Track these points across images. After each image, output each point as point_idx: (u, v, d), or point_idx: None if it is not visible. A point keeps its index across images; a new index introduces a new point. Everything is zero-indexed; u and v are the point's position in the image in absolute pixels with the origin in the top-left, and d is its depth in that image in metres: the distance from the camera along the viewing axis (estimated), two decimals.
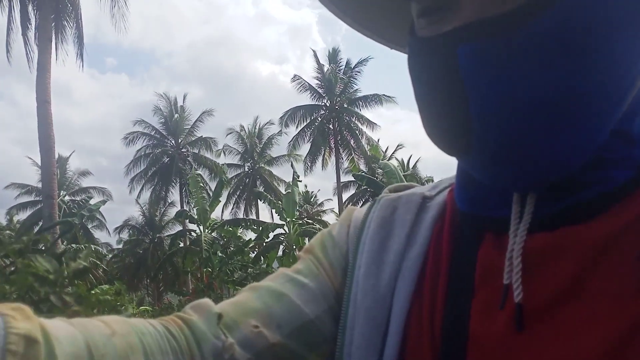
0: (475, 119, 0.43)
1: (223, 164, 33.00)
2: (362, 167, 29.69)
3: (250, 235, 20.16)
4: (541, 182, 0.46)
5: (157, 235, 31.14)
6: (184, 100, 36.27)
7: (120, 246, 32.48)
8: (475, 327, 0.47)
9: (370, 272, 0.56)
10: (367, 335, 0.52)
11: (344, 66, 32.98)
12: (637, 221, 0.43)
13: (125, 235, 33.30)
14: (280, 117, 32.67)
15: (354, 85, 32.74)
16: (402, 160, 31.33)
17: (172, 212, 33.33)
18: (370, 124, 31.88)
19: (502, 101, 0.41)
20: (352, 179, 29.86)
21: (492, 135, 0.43)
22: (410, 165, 32.04)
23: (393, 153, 32.03)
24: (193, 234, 22.71)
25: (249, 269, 16.46)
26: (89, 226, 30.55)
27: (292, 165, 17.46)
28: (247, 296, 0.58)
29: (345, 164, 31.88)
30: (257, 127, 36.31)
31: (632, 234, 0.43)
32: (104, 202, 28.32)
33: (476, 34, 0.42)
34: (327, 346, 0.56)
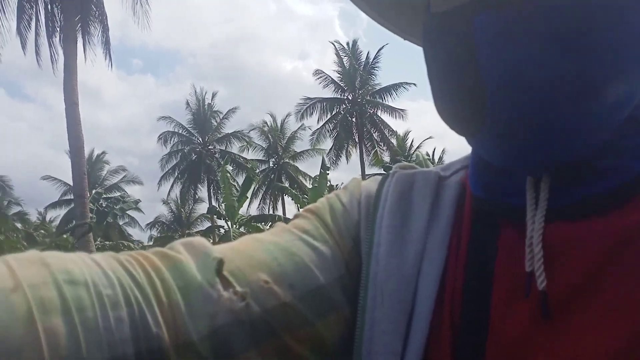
0: (489, 92, 0.42)
1: (252, 160, 33.33)
2: (386, 159, 29.58)
3: None
4: (552, 161, 0.44)
5: (187, 231, 31.62)
6: (212, 98, 36.64)
7: (152, 243, 33.10)
8: (495, 316, 0.46)
9: (393, 251, 0.52)
10: (392, 319, 0.49)
11: (364, 59, 32.88)
12: None
13: (155, 232, 33.96)
14: (297, 106, 32.58)
15: (375, 77, 32.63)
16: (428, 152, 31.11)
17: (200, 208, 33.84)
18: (395, 111, 31.68)
19: (516, 73, 0.40)
20: (376, 171, 29.75)
21: (504, 109, 0.42)
22: (436, 158, 31.80)
23: (420, 144, 31.79)
24: (221, 229, 22.99)
25: None
26: (121, 223, 31.19)
27: (322, 157, 17.46)
28: (252, 246, 0.51)
29: (370, 156, 31.82)
30: (280, 123, 36.50)
31: None
32: (136, 201, 28.96)
33: (492, 4, 0.41)
34: (335, 316, 0.52)
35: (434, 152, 32.13)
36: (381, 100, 31.97)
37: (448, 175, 0.57)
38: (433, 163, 26.34)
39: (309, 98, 32.92)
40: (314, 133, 33.11)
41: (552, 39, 0.39)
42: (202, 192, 35.14)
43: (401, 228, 0.53)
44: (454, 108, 0.47)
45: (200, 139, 35.89)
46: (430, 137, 33.59)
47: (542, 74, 0.40)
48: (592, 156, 0.45)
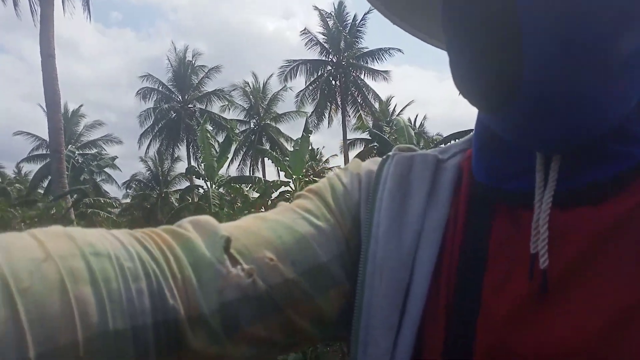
0: (528, 61, 0.40)
1: (232, 120, 32.94)
2: (369, 124, 29.50)
3: (256, 195, 20.24)
4: (577, 139, 0.44)
5: (165, 190, 31.39)
6: (193, 57, 35.82)
7: (128, 200, 32.80)
8: (487, 298, 0.48)
9: (392, 232, 0.54)
10: (390, 296, 0.51)
11: (350, 21, 32.35)
12: None
13: (132, 191, 33.61)
14: (280, 68, 32.11)
15: (361, 40, 32.22)
16: (410, 118, 31.10)
17: (179, 167, 33.54)
18: (379, 74, 31.42)
19: (561, 42, 0.39)
20: (358, 136, 29.69)
21: (543, 79, 0.40)
22: (417, 124, 31.82)
23: (402, 110, 31.74)
24: (200, 189, 22.88)
25: None
26: (98, 180, 30.77)
27: (306, 121, 17.29)
28: (257, 224, 0.53)
29: (352, 121, 31.70)
30: (262, 84, 36.00)
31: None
32: (113, 158, 28.48)
33: None
34: (335, 291, 0.54)
35: (415, 118, 32.13)
36: (365, 64, 31.63)
37: (446, 158, 0.59)
38: (414, 129, 26.38)
39: (292, 60, 32.44)
40: (297, 95, 32.76)
41: (599, 4, 0.38)
42: (181, 151, 34.80)
43: (400, 210, 0.55)
44: (483, 80, 0.45)
45: (180, 97, 35.28)
46: (412, 102, 33.65)
47: (589, 42, 0.39)
48: (603, 138, 0.45)
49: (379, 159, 0.62)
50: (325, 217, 0.56)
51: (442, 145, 0.63)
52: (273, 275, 0.49)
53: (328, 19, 32.24)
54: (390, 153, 0.61)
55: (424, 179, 0.56)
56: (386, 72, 31.62)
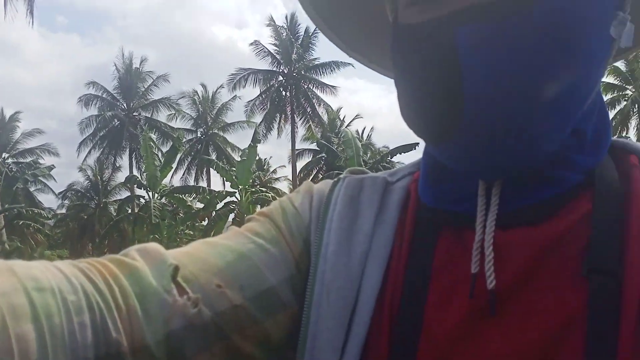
0: (468, 99, 0.44)
1: (179, 129, 32.15)
2: (318, 135, 29.39)
3: (200, 205, 19.63)
4: (516, 166, 0.47)
5: (104, 200, 30.18)
6: (140, 63, 34.80)
7: (64, 211, 31.33)
8: (429, 316, 0.50)
9: (341, 251, 0.54)
10: (337, 315, 0.52)
11: (302, 33, 32.31)
12: (579, 224, 0.48)
13: (67, 201, 32.12)
14: (230, 76, 31.59)
15: (312, 53, 32.20)
16: (357, 130, 31.20)
17: (120, 177, 32.38)
18: (328, 87, 31.43)
19: (495, 82, 0.43)
20: (307, 147, 29.47)
21: (481, 114, 0.44)
22: (365, 136, 31.99)
23: (350, 122, 31.83)
24: (142, 199, 22.03)
25: (200, 234, 16.01)
26: (32, 189, 29.27)
27: (256, 129, 16.89)
28: (205, 250, 0.54)
29: (301, 132, 31.53)
30: (212, 93, 35.38)
31: (577, 234, 0.47)
32: (50, 167, 27.15)
33: (473, 17, 0.44)
34: (284, 314, 0.54)
35: (363, 130, 32.28)
36: (315, 76, 31.58)
37: (394, 180, 0.61)
38: (361, 141, 26.43)
39: (242, 69, 32.00)
40: (247, 105, 32.31)
41: (530, 51, 0.43)
42: (124, 160, 33.64)
43: (349, 230, 0.56)
44: (427, 115, 0.49)
45: (124, 105, 34.17)
46: (358, 116, 33.95)
47: (519, 82, 0.43)
48: (540, 165, 0.49)
49: (330, 181, 0.63)
50: (275, 240, 0.56)
51: (392, 169, 0.65)
52: (220, 302, 0.50)
53: (281, 31, 32.06)
54: (341, 176, 0.63)
55: (372, 201, 0.58)
56: (334, 87, 31.61)
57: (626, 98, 27.70)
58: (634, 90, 27.52)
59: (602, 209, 0.47)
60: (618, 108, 27.34)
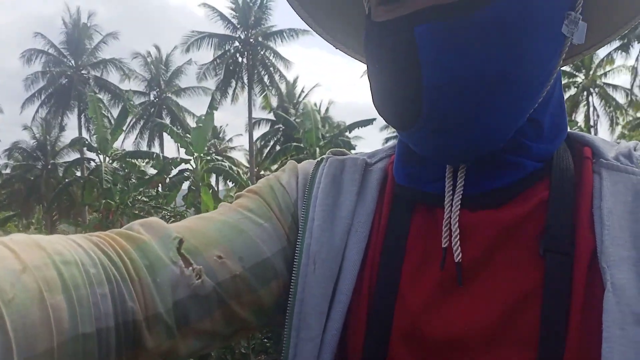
0: (426, 90, 0.49)
1: (129, 90, 31.13)
2: (275, 105, 29.16)
3: (153, 171, 19.19)
4: (475, 153, 0.53)
5: (52, 161, 29.10)
6: (88, 18, 33.26)
7: (9, 171, 30.04)
8: (404, 285, 0.55)
9: (325, 226, 0.59)
10: (322, 283, 0.57)
11: None
12: (537, 208, 0.53)
13: (12, 161, 30.76)
14: (184, 37, 30.68)
15: (270, 18, 31.65)
16: (316, 103, 31.14)
17: (70, 137, 31.23)
18: (284, 60, 31.10)
19: (450, 75, 0.49)
20: (264, 116, 29.24)
21: (439, 104, 0.50)
22: (323, 109, 31.98)
23: (308, 93, 31.68)
24: (92, 163, 21.39)
25: (152, 202, 15.74)
26: None
27: (212, 97, 16.56)
28: (204, 225, 0.58)
29: (259, 100, 31.17)
30: (165, 55, 34.36)
31: (534, 218, 0.53)
32: None
33: (431, 16, 0.49)
34: (276, 283, 0.59)
35: (321, 103, 32.25)
36: (273, 43, 31.11)
37: (373, 162, 0.66)
38: (319, 113, 26.46)
39: (198, 31, 31.09)
40: (200, 68, 31.52)
41: (481, 47, 0.48)
42: (72, 120, 32.42)
43: (332, 206, 0.61)
44: (393, 104, 0.54)
45: (72, 62, 32.75)
46: (317, 85, 34.01)
47: (471, 76, 0.48)
48: (500, 152, 0.54)
49: (313, 161, 0.68)
50: (267, 216, 0.61)
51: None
52: (221, 272, 0.55)
53: None
54: (324, 156, 0.69)
55: (354, 180, 0.63)
56: (289, 61, 31.27)
57: (576, 85, 28.81)
58: (583, 77, 28.64)
59: (557, 197, 0.53)
60: (568, 94, 28.42)
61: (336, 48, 0.72)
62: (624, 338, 0.45)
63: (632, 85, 27.82)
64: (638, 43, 25.27)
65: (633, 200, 0.51)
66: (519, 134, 0.54)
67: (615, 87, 28.95)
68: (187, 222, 0.58)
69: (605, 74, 28.85)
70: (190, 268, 0.52)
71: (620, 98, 28.84)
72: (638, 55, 27.14)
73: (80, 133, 29.60)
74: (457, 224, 0.53)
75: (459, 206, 0.54)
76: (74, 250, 0.45)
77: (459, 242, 0.53)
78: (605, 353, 0.45)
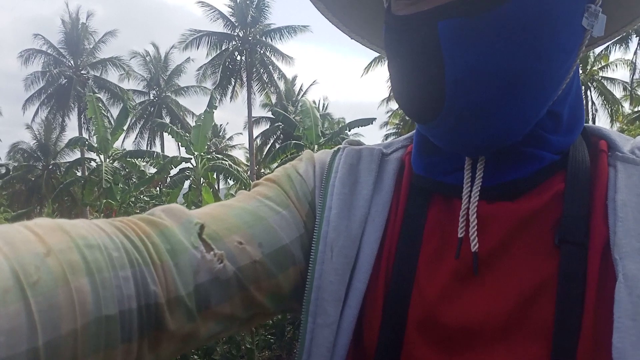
0: (449, 85, 0.50)
1: (129, 90, 31.12)
2: (274, 100, 29.18)
3: (153, 170, 19.19)
4: (494, 145, 0.53)
5: (52, 162, 29.15)
6: (87, 18, 33.28)
7: (11, 173, 30.07)
8: (420, 273, 0.56)
9: (342, 214, 0.60)
10: (339, 271, 0.57)
11: None
12: (553, 200, 0.54)
13: (13, 161, 30.80)
14: (183, 36, 30.67)
15: (268, 16, 31.65)
16: (315, 100, 31.20)
17: (70, 138, 31.30)
18: (284, 57, 31.12)
19: (472, 70, 0.49)
20: (263, 114, 29.27)
21: (461, 98, 0.51)
22: (321, 106, 32.03)
23: (307, 89, 31.71)
24: (93, 163, 21.44)
25: (154, 201, 15.78)
26: None
27: (212, 94, 16.59)
28: (223, 211, 0.58)
29: (258, 98, 31.21)
30: (164, 54, 34.37)
31: (550, 209, 0.54)
32: None
33: (455, 12, 0.50)
34: (294, 269, 0.60)
35: (320, 100, 32.28)
36: (271, 41, 31.12)
37: (389, 152, 0.67)
38: (318, 110, 26.49)
39: (196, 30, 31.12)
40: (199, 69, 31.55)
41: (503, 42, 0.49)
42: (72, 120, 32.44)
43: (350, 195, 0.62)
44: (414, 98, 0.54)
45: (72, 62, 32.78)
46: (316, 82, 34.12)
47: (493, 70, 0.49)
48: (519, 144, 0.55)
49: (330, 151, 0.69)
50: (285, 203, 0.62)
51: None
52: (242, 258, 0.55)
53: None
54: (340, 146, 0.69)
55: (371, 170, 0.63)
56: (291, 57, 31.33)
57: None
58: (581, 73, 28.69)
59: (572, 189, 0.54)
60: None
61: (352, 38, 0.73)
62: (635, 328, 0.45)
63: (631, 79, 27.89)
64: (636, 37, 25.33)
65: None
66: (537, 127, 0.55)
67: (613, 80, 29.04)
68: (207, 208, 0.59)
69: (602, 68, 28.94)
70: (212, 253, 0.53)
71: (618, 92, 28.95)
72: (636, 49, 27.21)
73: (80, 133, 29.67)
74: (475, 215, 0.54)
75: (477, 198, 0.55)
76: (97, 234, 0.46)
77: (476, 232, 0.53)
78: (617, 343, 0.45)
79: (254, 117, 31.35)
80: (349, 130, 18.58)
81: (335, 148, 0.69)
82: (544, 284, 0.51)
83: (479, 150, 0.55)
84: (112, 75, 33.07)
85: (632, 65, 27.25)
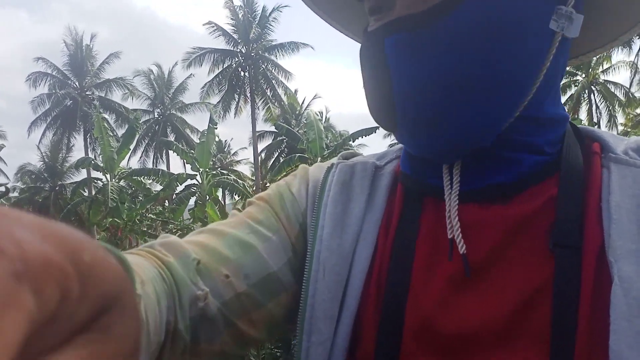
0: (397, 97, 0.53)
1: (136, 109, 31.30)
2: (277, 113, 29.28)
3: (159, 187, 19.24)
4: (458, 151, 0.55)
5: (59, 182, 29.32)
6: (91, 40, 33.65)
7: (17, 194, 30.28)
8: (415, 280, 0.56)
9: (335, 234, 0.61)
10: (331, 289, 0.58)
11: (260, 12, 31.90)
12: (546, 205, 0.54)
13: (20, 183, 30.99)
14: (186, 54, 30.92)
15: (270, 32, 31.87)
16: (317, 112, 31.29)
17: (77, 158, 31.49)
18: (285, 72, 31.29)
19: (417, 82, 0.51)
20: (267, 129, 29.38)
21: (410, 109, 0.53)
22: (324, 118, 32.11)
23: (310, 102, 31.82)
24: (99, 182, 21.53)
25: (162, 220, 15.82)
26: None
27: (210, 112, 16.68)
28: (215, 242, 0.60)
29: (262, 113, 31.32)
30: (167, 72, 34.63)
31: (543, 213, 0.54)
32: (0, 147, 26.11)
33: (397, 28, 0.52)
34: (285, 294, 0.61)
35: (323, 113, 32.37)
36: (274, 58, 31.31)
37: (383, 164, 0.67)
38: (321, 122, 26.48)
39: (199, 47, 31.36)
40: (204, 86, 31.75)
41: (446, 54, 0.50)
42: (79, 141, 32.68)
43: (342, 214, 0.62)
44: (377, 109, 0.57)
45: (77, 84, 33.09)
46: (317, 96, 34.60)
47: (439, 81, 0.51)
48: (493, 148, 0.55)
49: (324, 166, 0.69)
50: (275, 228, 0.63)
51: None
52: (226, 291, 0.57)
53: (238, 10, 31.49)
54: (334, 161, 0.69)
55: (363, 187, 0.64)
56: (290, 73, 31.50)
57: (577, 84, 28.78)
58: (584, 76, 28.62)
59: (566, 192, 0.54)
60: (569, 93, 28.40)
61: (356, 41, 0.74)
62: (631, 330, 0.45)
63: (631, 82, 27.79)
64: (639, 38, 25.30)
65: None
66: (511, 131, 0.55)
67: (615, 84, 28.94)
68: (202, 237, 0.61)
69: (605, 71, 28.86)
70: (201, 291, 0.55)
71: (621, 95, 28.84)
72: (638, 51, 27.16)
73: (86, 153, 29.84)
74: (457, 217, 0.55)
75: (457, 200, 0.56)
76: (151, 270, 0.51)
77: (460, 234, 0.54)
78: (613, 345, 0.45)
79: (258, 131, 31.46)
80: (353, 141, 18.61)
81: (329, 164, 0.69)
82: (539, 289, 0.50)
83: (445, 155, 0.56)
84: (117, 96, 33.34)
85: (634, 67, 27.17)
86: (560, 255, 0.51)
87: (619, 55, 28.44)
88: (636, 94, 27.76)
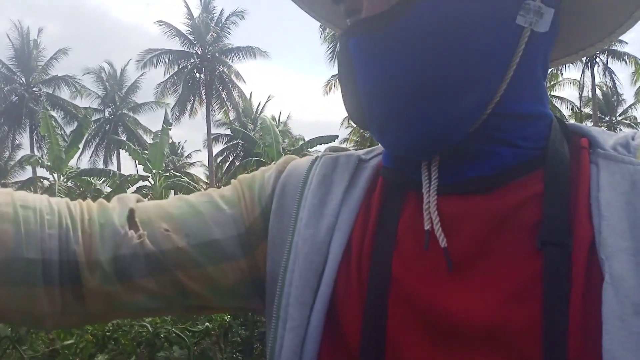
0: (362, 97, 0.55)
1: (87, 107, 30.40)
2: (232, 117, 29.06)
3: (109, 189, 18.72)
4: (428, 148, 0.55)
5: (3, 181, 28.11)
6: (38, 34, 32.55)
7: None
8: (396, 272, 0.56)
9: (310, 223, 0.62)
10: (305, 276, 0.59)
11: (217, 15, 31.68)
12: (533, 198, 0.53)
13: None
14: (140, 55, 30.31)
15: (227, 36, 31.69)
16: (274, 116, 31.28)
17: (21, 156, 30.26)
18: (238, 76, 31.15)
19: (379, 81, 0.53)
20: (222, 132, 29.11)
21: (375, 109, 0.54)
22: (278, 122, 32.11)
23: (264, 105, 31.78)
24: (46, 182, 20.79)
25: None
26: None
27: (166, 110, 16.39)
28: (169, 203, 0.67)
29: (217, 116, 31.04)
30: (120, 71, 33.85)
31: (528, 209, 0.53)
32: None
33: (359, 30, 0.54)
34: (228, 265, 0.64)
35: (279, 115, 32.38)
36: (231, 62, 31.11)
37: (368, 158, 0.67)
38: (278, 126, 26.48)
39: (154, 49, 30.83)
40: (158, 86, 31.20)
41: (405, 53, 0.51)
42: (26, 138, 31.45)
43: (320, 206, 0.63)
44: (351, 109, 0.59)
45: (23, 79, 31.89)
46: (271, 97, 34.95)
47: (399, 80, 0.52)
48: (470, 142, 0.55)
49: (311, 159, 0.70)
50: (233, 203, 0.66)
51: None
52: (164, 242, 0.62)
53: (194, 11, 31.16)
54: (319, 153, 0.70)
55: (343, 179, 0.64)
56: (242, 77, 31.45)
57: None
58: None
59: (552, 188, 0.53)
60: None
61: (306, 12, 0.76)
62: (624, 329, 0.45)
63: (580, 99, 29.03)
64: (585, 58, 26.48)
65: (630, 190, 0.51)
66: (486, 127, 0.55)
67: (561, 99, 30.22)
68: (163, 201, 0.68)
69: (551, 87, 30.09)
70: (132, 231, 0.62)
71: (566, 110, 30.13)
72: (583, 68, 28.48)
73: (32, 151, 28.72)
74: (436, 211, 0.55)
75: (436, 194, 0.56)
76: (39, 202, 0.59)
77: (440, 228, 0.54)
78: (606, 344, 0.45)
79: (213, 134, 31.12)
80: (311, 148, 18.61)
81: (314, 157, 0.70)
82: (528, 285, 0.50)
83: (416, 153, 0.57)
84: (65, 94, 32.29)
85: (579, 84, 28.44)
86: (549, 252, 0.50)
87: (565, 73, 29.73)
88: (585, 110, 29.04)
